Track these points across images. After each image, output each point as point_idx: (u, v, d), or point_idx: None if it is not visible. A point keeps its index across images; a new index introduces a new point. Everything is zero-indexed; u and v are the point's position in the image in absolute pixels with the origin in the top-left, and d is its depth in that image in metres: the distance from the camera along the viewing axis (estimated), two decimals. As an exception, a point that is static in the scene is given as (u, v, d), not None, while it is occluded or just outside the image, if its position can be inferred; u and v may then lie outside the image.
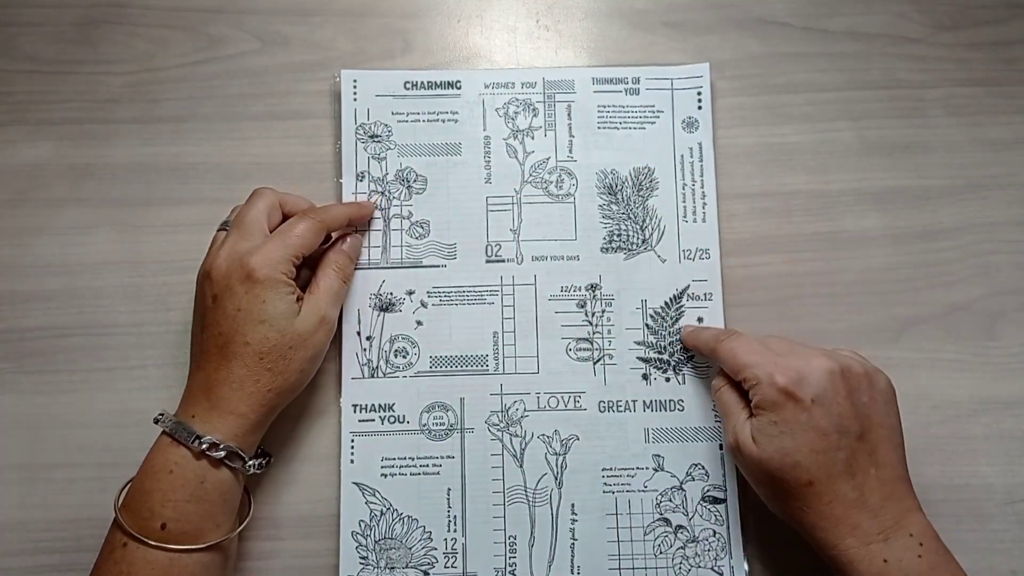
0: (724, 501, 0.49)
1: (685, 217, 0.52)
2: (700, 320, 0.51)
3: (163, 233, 0.53)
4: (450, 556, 0.48)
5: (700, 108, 0.53)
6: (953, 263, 0.53)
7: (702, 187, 0.52)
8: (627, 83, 0.54)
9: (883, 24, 0.56)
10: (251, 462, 0.45)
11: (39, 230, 0.53)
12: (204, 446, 0.42)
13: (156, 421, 0.44)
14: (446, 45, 0.56)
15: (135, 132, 0.54)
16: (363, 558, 0.48)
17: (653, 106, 0.53)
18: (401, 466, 0.49)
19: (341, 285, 0.48)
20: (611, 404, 0.50)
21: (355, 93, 0.53)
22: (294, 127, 0.54)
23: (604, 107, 0.53)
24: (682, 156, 0.53)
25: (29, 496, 0.49)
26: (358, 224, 0.52)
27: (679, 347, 0.51)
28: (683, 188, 0.52)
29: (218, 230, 0.48)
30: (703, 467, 0.50)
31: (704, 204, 0.52)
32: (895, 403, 0.44)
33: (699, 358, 0.51)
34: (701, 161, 0.53)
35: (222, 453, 0.43)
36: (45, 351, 0.51)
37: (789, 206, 0.54)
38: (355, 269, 0.51)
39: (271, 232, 0.47)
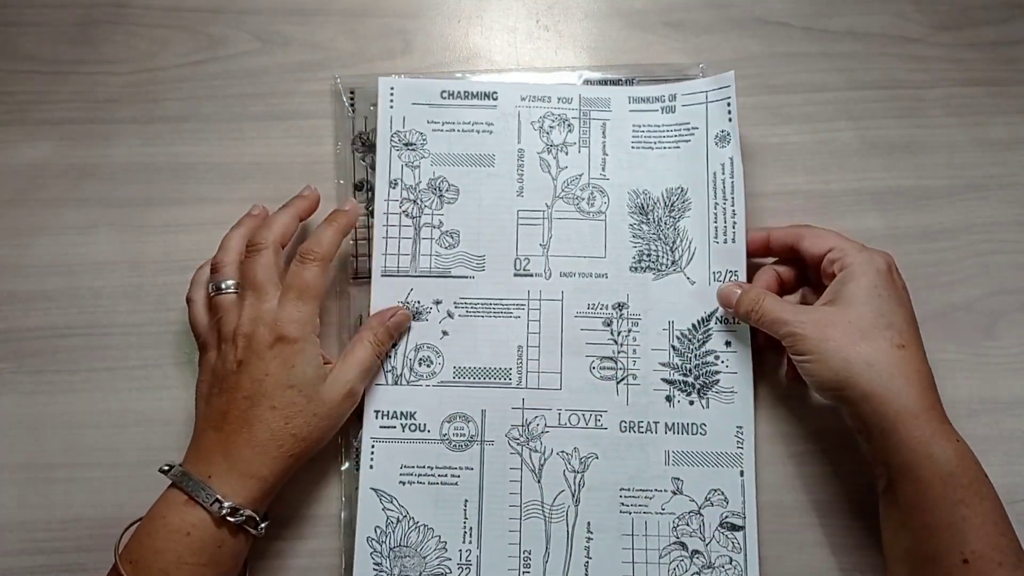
0: (742, 528, 0.48)
1: (716, 238, 0.51)
2: (728, 344, 0.50)
3: (163, 233, 0.53)
4: (464, 567, 0.48)
5: (730, 120, 0.52)
6: (953, 263, 0.53)
7: (732, 205, 0.51)
8: (663, 101, 0.53)
9: (883, 24, 0.56)
10: (262, 525, 0.44)
11: (39, 230, 0.53)
12: (225, 511, 0.42)
13: (165, 472, 0.43)
14: (446, 45, 0.56)
15: (135, 132, 0.54)
16: (377, 564, 0.48)
17: (688, 123, 0.53)
18: (420, 475, 0.49)
19: (374, 360, 0.48)
20: (632, 424, 0.50)
21: (392, 100, 0.53)
22: (294, 127, 0.54)
23: (639, 127, 0.53)
24: (714, 174, 0.51)
25: (29, 496, 0.49)
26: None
27: (704, 371, 0.50)
28: (715, 207, 0.51)
29: (215, 294, 0.47)
30: (722, 493, 0.49)
31: (734, 224, 0.51)
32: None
33: (724, 382, 0.50)
34: (732, 178, 0.51)
35: (242, 518, 0.42)
36: (45, 351, 0.51)
37: (790, 206, 0.54)
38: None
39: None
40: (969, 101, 0.55)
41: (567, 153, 0.52)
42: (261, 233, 0.47)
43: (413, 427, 0.49)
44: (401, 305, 0.50)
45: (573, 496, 0.49)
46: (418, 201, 0.52)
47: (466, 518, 0.48)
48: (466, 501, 0.49)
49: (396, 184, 0.52)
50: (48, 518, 0.49)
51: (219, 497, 0.42)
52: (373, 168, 0.53)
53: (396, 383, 0.50)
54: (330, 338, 0.51)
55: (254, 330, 0.44)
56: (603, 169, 0.52)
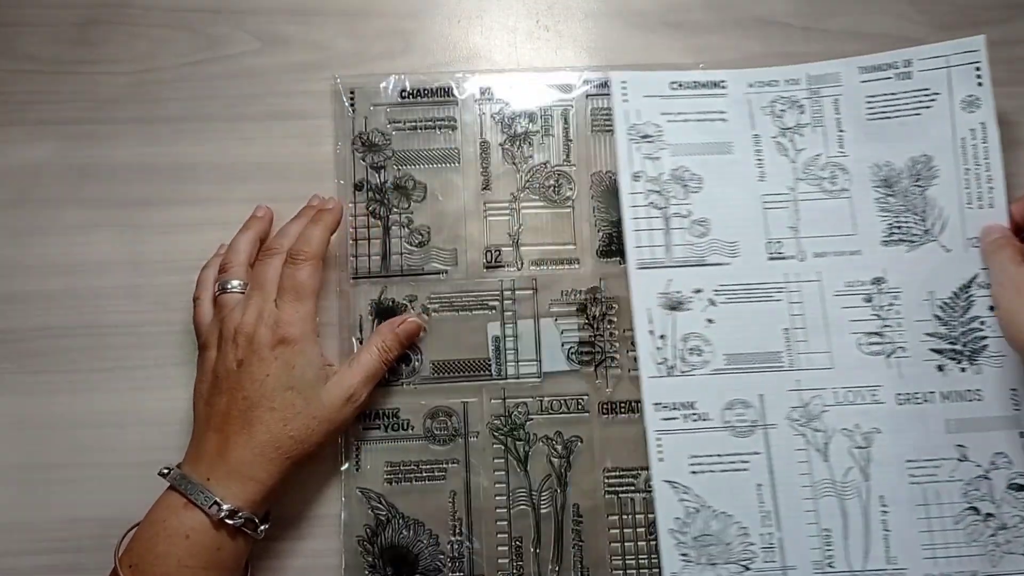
0: None
1: (970, 204, 0.51)
2: (992, 309, 0.50)
3: (163, 233, 0.53)
4: (768, 551, 0.48)
5: (980, 85, 0.51)
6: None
7: (987, 171, 0.51)
8: (897, 67, 0.53)
9: (883, 24, 0.56)
10: (262, 528, 0.44)
11: (39, 230, 0.53)
12: (223, 514, 0.42)
13: (164, 475, 0.44)
14: (446, 45, 0.56)
15: (135, 132, 0.54)
16: (683, 555, 0.48)
17: (928, 89, 0.52)
18: (710, 463, 0.49)
19: (379, 366, 0.48)
20: (909, 396, 0.50)
21: (625, 94, 0.53)
22: (294, 127, 0.54)
23: (873, 96, 0.53)
24: (963, 139, 0.51)
25: (29, 496, 0.49)
26: (336, 228, 0.50)
27: (971, 337, 0.50)
28: (966, 174, 0.51)
29: (220, 291, 0.47)
30: (1006, 455, 0.49)
31: (991, 188, 0.51)
32: None
33: (993, 347, 0.50)
34: (985, 143, 0.51)
35: (241, 521, 0.42)
36: (45, 351, 0.51)
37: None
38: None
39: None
40: (969, 101, 0.55)
41: (802, 134, 0.53)
42: (277, 239, 0.48)
43: (695, 416, 0.50)
44: (413, 314, 0.50)
45: (862, 472, 0.49)
46: (663, 192, 0.52)
47: (762, 502, 0.49)
48: (759, 486, 0.49)
49: (639, 177, 0.52)
50: (48, 518, 0.49)
51: (217, 500, 0.42)
52: (373, 168, 0.53)
53: (670, 374, 0.50)
54: (330, 338, 0.51)
55: (256, 330, 0.44)
56: (840, 146, 0.53)
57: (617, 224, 0.52)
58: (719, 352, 0.50)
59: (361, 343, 0.51)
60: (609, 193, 0.53)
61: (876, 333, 0.51)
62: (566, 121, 0.54)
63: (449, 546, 0.49)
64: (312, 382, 0.45)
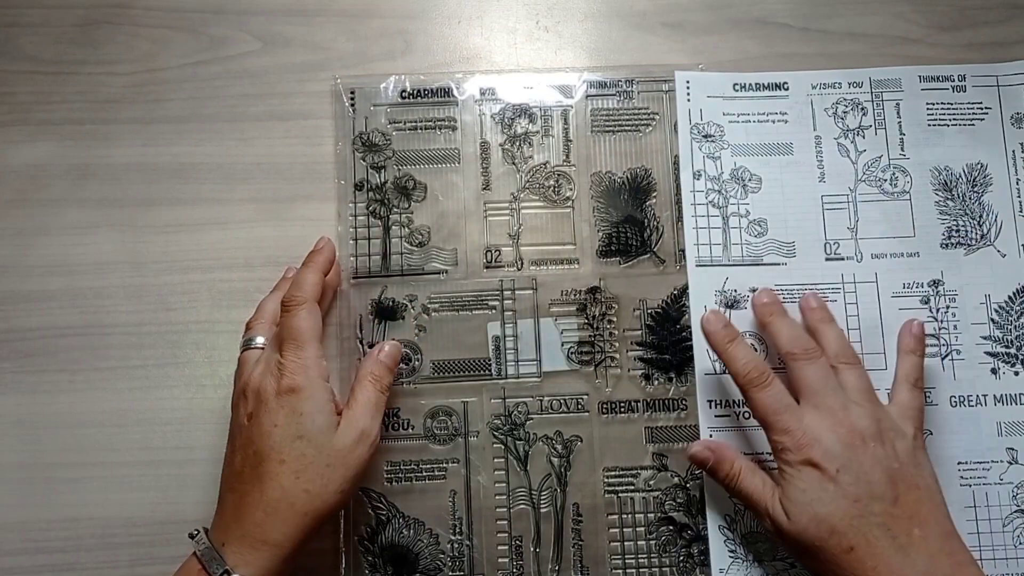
0: None
1: (1021, 212, 0.52)
2: None
3: (164, 233, 0.53)
4: None
5: None
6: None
7: None
8: (953, 80, 0.54)
9: (882, 24, 0.56)
10: None
11: (40, 230, 0.53)
12: None
13: (191, 537, 0.42)
14: (446, 46, 0.56)
15: (136, 132, 0.54)
16: (731, 551, 0.49)
17: (980, 103, 0.54)
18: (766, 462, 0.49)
19: (379, 396, 0.46)
20: (962, 399, 0.50)
21: (688, 94, 0.54)
22: (295, 127, 0.54)
23: (932, 104, 0.54)
24: (1013, 152, 0.53)
25: (29, 496, 0.49)
26: (330, 268, 0.50)
27: None
28: (1017, 183, 0.53)
29: (244, 349, 0.47)
30: None
31: None
32: (926, 461, 0.44)
33: None
34: None
35: None
36: (46, 351, 0.51)
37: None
38: (394, 376, 0.48)
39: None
40: (968, 101, 0.55)
41: (864, 136, 0.54)
42: (288, 291, 0.47)
43: (747, 414, 0.50)
44: (393, 342, 0.48)
45: None
46: (723, 191, 0.53)
47: None
48: None
49: (700, 175, 0.53)
50: (48, 518, 0.49)
51: (228, 568, 0.40)
52: (374, 168, 0.53)
53: (724, 372, 0.50)
54: (330, 339, 0.51)
55: (262, 382, 0.43)
56: (902, 149, 0.53)
57: (617, 224, 0.53)
58: (773, 351, 0.51)
59: (362, 342, 0.51)
60: (609, 193, 0.53)
61: (932, 335, 0.51)
62: (566, 121, 0.54)
63: (449, 545, 0.49)
64: (323, 428, 0.42)
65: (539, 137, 0.54)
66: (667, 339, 0.51)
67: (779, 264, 0.52)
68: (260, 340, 0.47)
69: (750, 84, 0.54)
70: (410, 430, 0.50)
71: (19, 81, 0.54)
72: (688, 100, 0.54)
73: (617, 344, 0.51)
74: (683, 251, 0.52)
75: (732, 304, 0.51)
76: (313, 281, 0.47)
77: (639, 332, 0.51)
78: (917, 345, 0.48)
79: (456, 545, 0.49)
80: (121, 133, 0.54)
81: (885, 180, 0.53)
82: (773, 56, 0.56)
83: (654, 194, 0.53)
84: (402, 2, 0.56)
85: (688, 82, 0.54)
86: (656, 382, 0.51)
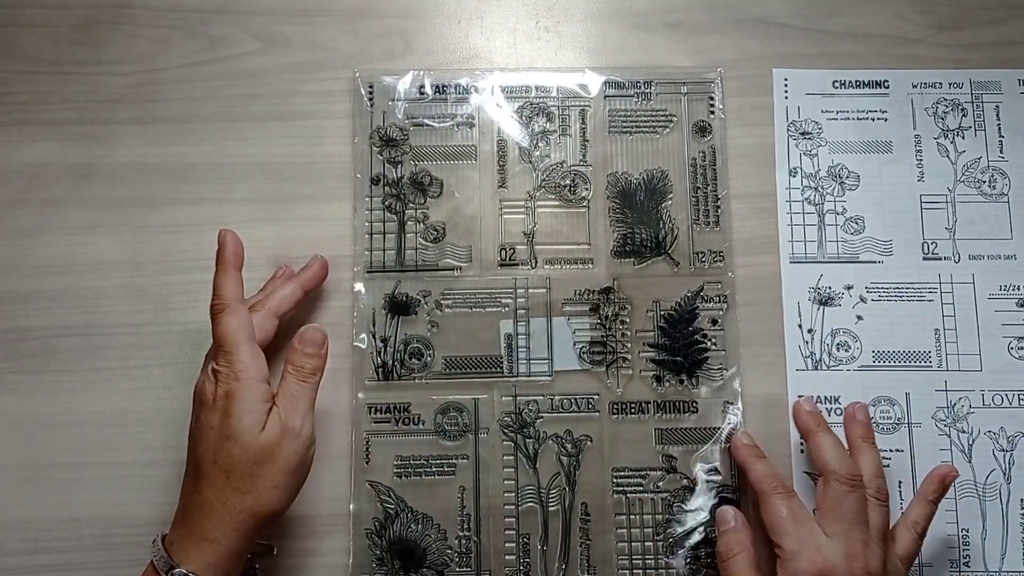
0: None
1: None
2: None
3: (163, 233, 0.53)
4: None
5: None
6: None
7: None
8: None
9: (882, 24, 0.56)
10: None
11: (39, 230, 0.53)
12: None
13: (153, 542, 0.43)
14: (446, 46, 0.56)
15: (136, 132, 0.54)
16: None
17: None
18: None
19: (300, 386, 0.44)
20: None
21: (786, 90, 0.54)
22: (295, 128, 0.54)
23: None
24: None
25: (29, 496, 0.49)
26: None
27: None
28: None
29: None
30: None
31: None
32: None
33: None
34: None
35: None
36: (45, 351, 0.51)
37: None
38: (325, 363, 0.45)
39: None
40: (969, 101, 0.55)
41: (963, 137, 0.54)
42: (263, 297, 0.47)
43: (838, 411, 0.50)
44: (310, 325, 0.46)
45: (1004, 475, 0.50)
46: (819, 188, 0.53)
47: (901, 498, 0.49)
48: (899, 483, 0.50)
49: (795, 172, 0.53)
50: (48, 518, 0.49)
51: (174, 564, 0.41)
52: (391, 163, 0.53)
53: (816, 368, 0.51)
54: (341, 339, 0.51)
55: (204, 387, 0.43)
56: (1001, 151, 0.53)
57: (632, 225, 0.52)
58: (867, 349, 0.51)
59: (374, 337, 0.51)
60: (625, 194, 0.53)
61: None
62: (583, 121, 0.54)
63: (457, 541, 0.49)
64: (249, 427, 0.42)
65: (556, 136, 0.54)
66: (679, 341, 0.51)
67: (875, 262, 0.52)
68: None
69: (850, 81, 0.54)
70: (420, 425, 0.50)
71: (19, 81, 0.54)
72: (785, 97, 0.54)
73: (629, 345, 0.51)
74: (698, 253, 0.52)
75: (825, 301, 0.51)
76: (229, 282, 0.45)
77: (652, 333, 0.51)
78: (940, 494, 0.48)
79: (464, 541, 0.49)
80: (121, 133, 0.54)
81: (984, 182, 0.53)
82: (774, 56, 0.56)
83: (670, 196, 0.53)
84: (402, 2, 0.56)
85: (786, 79, 0.54)
86: (667, 384, 0.51)
